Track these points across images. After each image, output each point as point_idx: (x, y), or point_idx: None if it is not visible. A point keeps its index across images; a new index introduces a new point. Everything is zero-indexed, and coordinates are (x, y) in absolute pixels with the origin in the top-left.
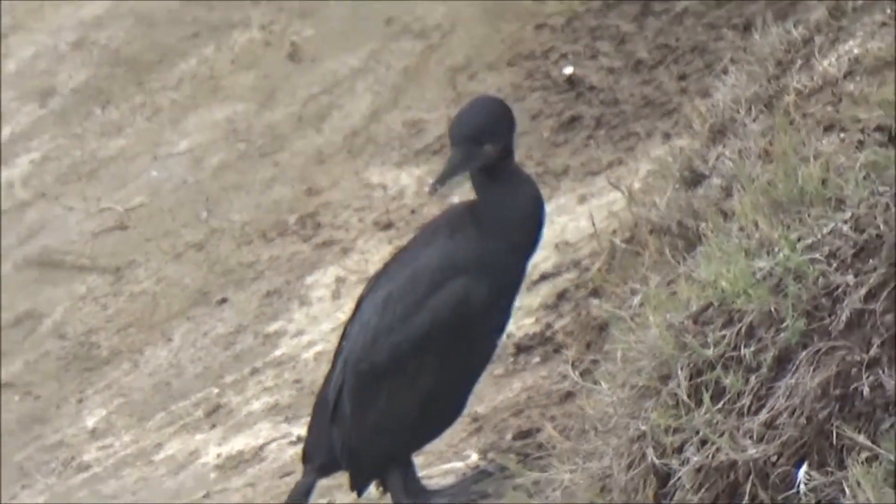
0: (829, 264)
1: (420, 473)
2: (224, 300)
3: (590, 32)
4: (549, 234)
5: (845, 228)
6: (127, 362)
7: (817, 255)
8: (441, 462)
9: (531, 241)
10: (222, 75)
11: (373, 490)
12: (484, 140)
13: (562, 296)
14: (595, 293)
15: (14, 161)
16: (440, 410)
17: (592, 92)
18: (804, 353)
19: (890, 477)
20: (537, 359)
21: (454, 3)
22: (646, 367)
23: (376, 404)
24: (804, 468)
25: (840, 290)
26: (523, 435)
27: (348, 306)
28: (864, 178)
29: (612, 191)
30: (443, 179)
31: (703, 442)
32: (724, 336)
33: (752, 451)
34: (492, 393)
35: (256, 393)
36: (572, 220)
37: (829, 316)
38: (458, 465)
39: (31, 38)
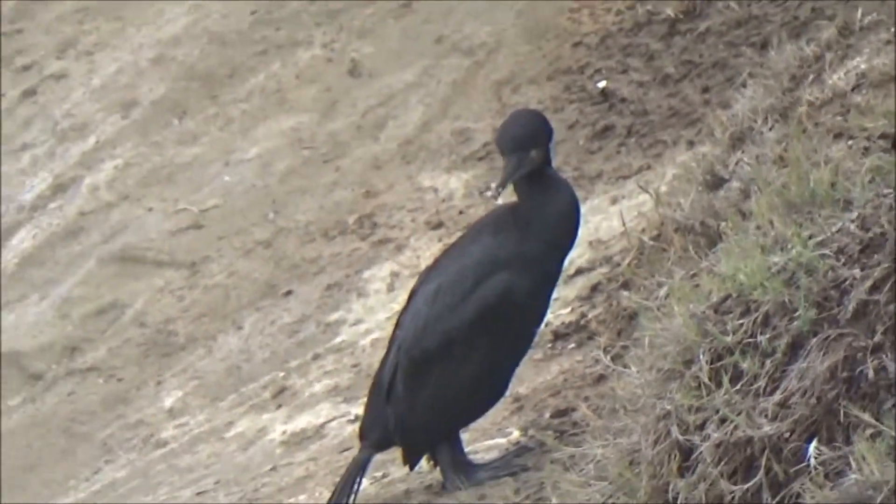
0: (838, 259)
1: (466, 449)
2: (289, 292)
3: (621, 50)
4: (583, 232)
5: (852, 227)
6: (201, 348)
7: (827, 251)
8: (485, 438)
9: (568, 239)
10: (288, 89)
11: (424, 464)
12: (530, 147)
13: (595, 288)
14: (625, 286)
15: (99, 167)
16: (485, 392)
17: (624, 104)
18: (814, 340)
19: (892, 452)
20: (573, 345)
21: (498, 23)
22: (671, 353)
23: (427, 386)
24: (814, 444)
25: (847, 282)
26: (560, 414)
27: (402, 298)
28: (870, 181)
29: (641, 193)
30: (503, 184)
31: (723, 420)
32: (741, 324)
33: (767, 429)
34: (532, 375)
35: (318, 376)
36: (605, 219)
37: (838, 306)
38: (501, 441)
39: (114, 56)
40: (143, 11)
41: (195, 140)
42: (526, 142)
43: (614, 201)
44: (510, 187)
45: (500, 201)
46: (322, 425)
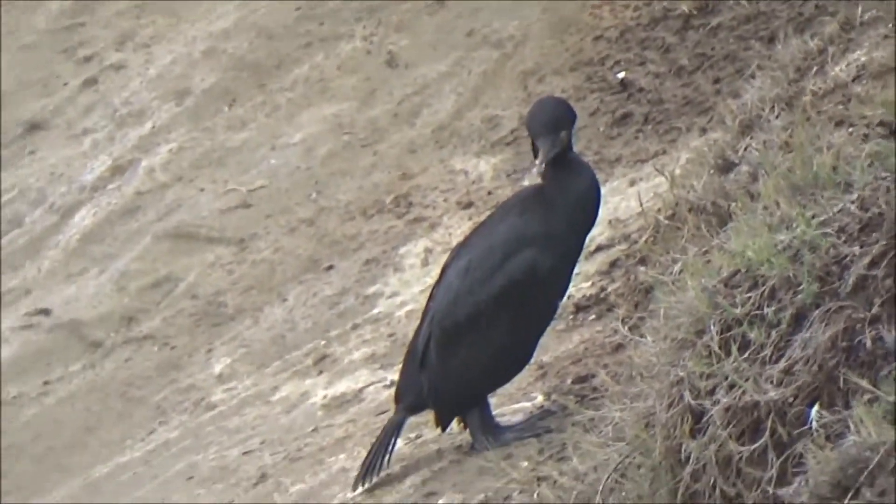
0: (839, 237)
1: (494, 412)
2: (331, 267)
3: (639, 43)
4: (603, 212)
5: (852, 208)
6: (249, 319)
7: (828, 230)
8: (512, 402)
9: (589, 218)
10: (330, 79)
11: (455, 426)
12: (560, 129)
13: (614, 264)
14: (642, 261)
15: (155, 150)
16: (511, 359)
17: (641, 93)
18: (817, 312)
19: (888, 415)
20: (593, 316)
21: (525, 18)
22: (684, 323)
23: (458, 354)
24: (816, 408)
25: (847, 259)
26: (581, 380)
27: (435, 272)
28: (869, 165)
29: (657, 176)
30: (544, 161)
31: (732, 386)
32: (749, 297)
33: (773, 394)
34: (555, 344)
35: (357, 344)
36: (623, 200)
37: (838, 281)
38: (527, 405)
39: (169, 48)
40: (195, 7)
41: (244, 126)
42: (556, 124)
43: (632, 183)
44: (532, 170)
45: (525, 183)
46: (360, 390)
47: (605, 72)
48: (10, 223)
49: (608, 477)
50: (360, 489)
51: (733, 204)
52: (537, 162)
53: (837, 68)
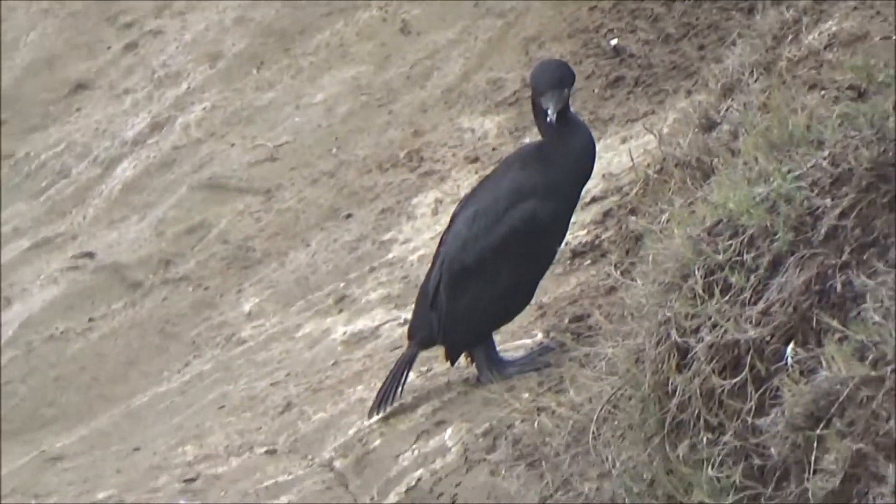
0: (812, 191)
1: (498, 348)
2: (350, 215)
3: (630, 13)
4: (598, 167)
5: (824, 163)
6: (275, 262)
7: (802, 184)
8: (514, 339)
9: (585, 172)
10: (349, 44)
11: (462, 360)
12: (564, 86)
13: (607, 214)
14: (633, 212)
15: (190, 109)
16: (514, 300)
17: (632, 59)
18: (792, 259)
19: (857, 353)
20: (588, 261)
21: None
22: (671, 268)
23: (465, 295)
24: (791, 346)
25: (820, 210)
26: (577, 319)
27: (444, 221)
28: (839, 125)
29: (647, 134)
30: (556, 111)
31: (714, 325)
32: (730, 245)
33: (752, 333)
34: (553, 287)
35: (373, 286)
36: (616, 156)
37: (812, 230)
38: (528, 341)
39: (203, 16)
40: None
41: (271, 87)
42: (560, 81)
43: (624, 141)
44: (532, 128)
45: (527, 139)
46: (376, 327)
47: (599, 39)
48: (58, 174)
49: (602, 408)
50: (375, 417)
51: (716, 160)
52: (549, 112)
53: (811, 37)
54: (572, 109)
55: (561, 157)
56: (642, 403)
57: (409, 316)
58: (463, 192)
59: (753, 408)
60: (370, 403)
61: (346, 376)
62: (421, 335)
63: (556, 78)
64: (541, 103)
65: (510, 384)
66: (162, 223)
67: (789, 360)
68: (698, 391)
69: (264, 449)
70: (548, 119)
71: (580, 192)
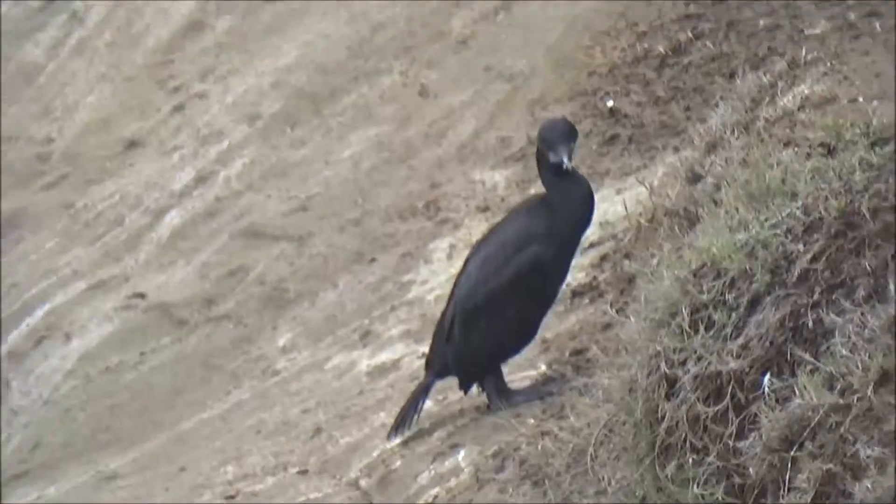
0: (786, 237)
1: (506, 378)
2: (373, 259)
3: (625, 78)
4: (595, 215)
5: (798, 213)
6: (307, 302)
7: (778, 231)
8: (520, 371)
9: (585, 220)
10: (373, 106)
11: (474, 389)
12: (571, 140)
13: (604, 258)
14: (627, 256)
15: (231, 164)
16: (520, 335)
17: (626, 118)
18: (769, 298)
19: (826, 383)
20: (587, 301)
21: (532, 57)
22: (661, 307)
23: (477, 330)
24: (768, 376)
25: (793, 254)
26: (577, 353)
27: (458, 264)
28: (811, 178)
29: (639, 186)
30: (570, 159)
31: (699, 358)
32: (714, 286)
33: (733, 365)
34: (555, 324)
35: (395, 323)
36: (612, 206)
37: (786, 273)
38: (532, 373)
39: (243, 80)
40: (264, 47)
41: (303, 144)
42: (568, 136)
43: (619, 192)
44: (536, 180)
45: (532, 191)
46: (397, 360)
47: (596, 101)
48: (113, 223)
49: (599, 432)
50: (395, 440)
51: (701, 209)
52: (564, 160)
53: (785, 99)
54: (573, 164)
55: (562, 207)
56: (635, 428)
57: (426, 349)
58: (475, 238)
59: (734, 432)
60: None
61: (370, 404)
62: (437, 367)
63: (565, 133)
64: (549, 156)
65: (517, 411)
66: (206, 266)
67: (766, 389)
68: (685, 417)
69: (297, 469)
70: (564, 166)
71: (580, 239)
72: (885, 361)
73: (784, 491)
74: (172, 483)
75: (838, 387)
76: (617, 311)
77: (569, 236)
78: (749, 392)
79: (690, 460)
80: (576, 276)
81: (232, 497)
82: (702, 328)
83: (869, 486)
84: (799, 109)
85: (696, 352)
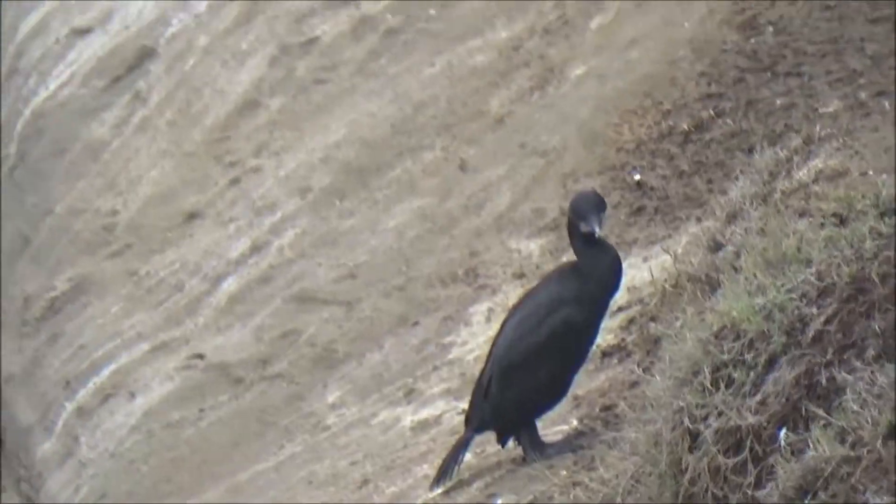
0: (801, 301)
1: (540, 432)
2: (417, 322)
3: (651, 153)
4: (624, 281)
5: (812, 278)
6: (354, 362)
7: (794, 296)
8: (553, 425)
9: (613, 286)
10: (416, 180)
11: (511, 443)
12: (601, 211)
13: (632, 321)
14: (653, 319)
15: (284, 233)
16: (553, 392)
17: (652, 191)
18: (785, 358)
19: (838, 437)
20: (615, 360)
21: (564, 134)
22: (684, 366)
23: (513, 388)
24: (784, 430)
25: (808, 317)
26: (606, 408)
27: (495, 326)
28: (825, 246)
29: (664, 254)
30: (601, 228)
31: (720, 413)
32: (734, 346)
33: (751, 420)
34: (586, 381)
35: (436, 381)
36: (639, 272)
37: (801, 334)
38: (565, 427)
39: (295, 156)
40: (315, 124)
41: (351, 215)
42: (599, 207)
43: (645, 259)
44: (568, 249)
45: (564, 259)
46: (439, 416)
47: (624, 175)
48: (174, 288)
49: (626, 482)
50: (437, 490)
51: (721, 275)
52: (596, 229)
53: (801, 173)
54: (602, 233)
55: (593, 273)
56: (660, 479)
57: (466, 406)
58: (511, 303)
59: (753, 482)
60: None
61: (413, 456)
62: (476, 422)
63: (595, 204)
64: (580, 226)
65: (550, 463)
66: (260, 329)
67: (782, 443)
68: (707, 468)
69: None
70: (595, 234)
71: (609, 303)
72: (894, 416)
73: None
74: None
75: (849, 440)
76: (643, 370)
77: (598, 300)
78: (766, 445)
79: None
80: (605, 337)
81: None
82: (722, 385)
83: None
84: (813, 182)
85: (717, 407)
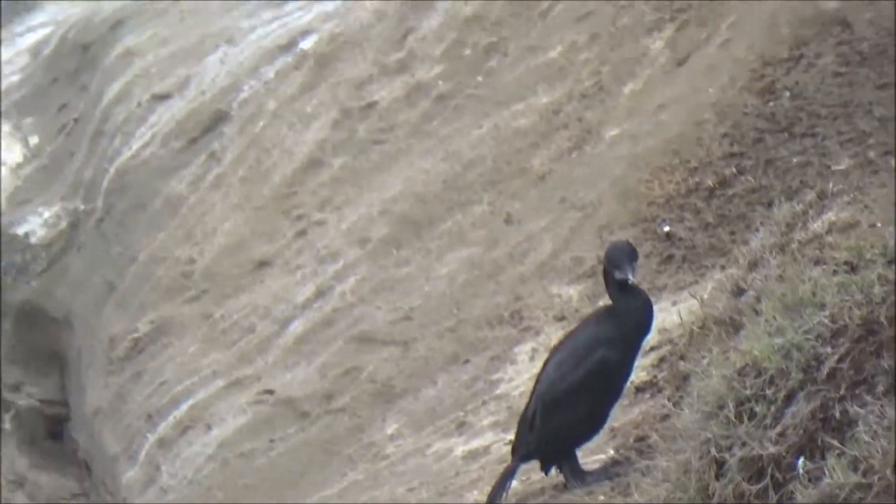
0: (817, 341)
1: (580, 461)
2: (467, 361)
3: (679, 207)
4: (655, 323)
5: (826, 321)
6: (411, 397)
7: (809, 336)
8: (592, 455)
9: (645, 328)
10: (466, 231)
11: (553, 471)
12: (634, 260)
13: (662, 359)
14: (682, 358)
15: (346, 280)
16: (592, 425)
17: (680, 241)
18: (802, 393)
19: (851, 465)
20: (648, 395)
21: (600, 190)
22: (710, 401)
23: (555, 421)
24: (802, 459)
25: (822, 356)
26: (640, 439)
27: (538, 365)
28: (837, 291)
29: (692, 299)
30: (635, 275)
31: (744, 444)
32: (755, 383)
33: (772, 449)
34: (621, 415)
35: (485, 415)
36: (668, 315)
37: (816, 371)
38: (602, 456)
39: (356, 210)
40: (373, 180)
41: (406, 263)
42: (631, 256)
43: (674, 304)
44: (604, 294)
45: (600, 303)
46: (488, 446)
47: (655, 227)
48: (245, 330)
49: None
50: None
51: (744, 318)
52: (629, 276)
53: (815, 225)
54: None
55: (626, 316)
56: None
57: (512, 437)
58: (553, 343)
59: None
60: None
61: (464, 483)
62: (521, 452)
63: (628, 253)
64: (615, 273)
65: (589, 489)
66: (325, 367)
67: (801, 471)
68: (732, 494)
69: None
70: (629, 281)
71: (641, 343)
72: None
73: None
74: None
75: (862, 468)
76: (673, 404)
77: (632, 341)
78: (786, 473)
79: None
80: (638, 374)
81: None
82: (746, 418)
83: None
84: (827, 233)
85: (740, 438)
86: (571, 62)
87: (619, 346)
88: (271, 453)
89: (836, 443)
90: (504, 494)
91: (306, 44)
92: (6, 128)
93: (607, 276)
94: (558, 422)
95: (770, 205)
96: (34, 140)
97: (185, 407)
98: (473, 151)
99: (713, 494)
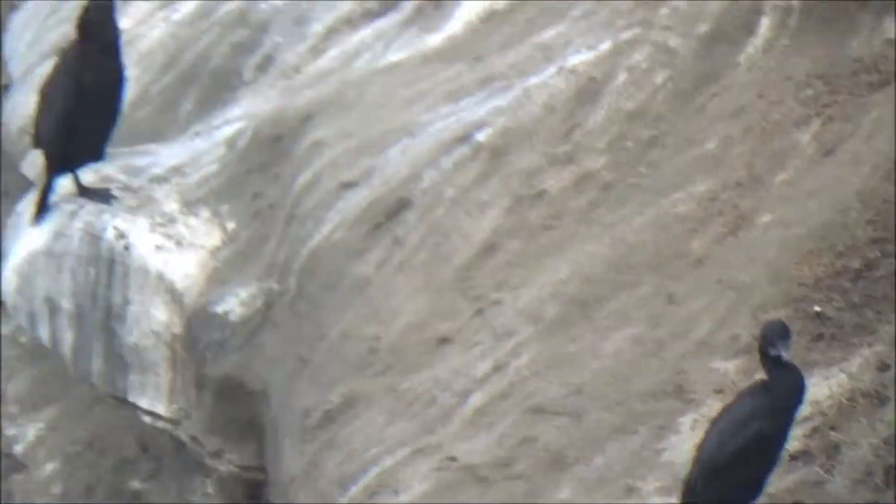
0: None
1: None
2: (635, 431)
3: (827, 288)
4: (807, 396)
5: None
6: (582, 464)
7: None
8: None
9: (798, 401)
10: (630, 311)
11: None
12: (788, 337)
13: (814, 429)
14: (832, 428)
15: (520, 355)
16: (749, 491)
17: (829, 321)
18: None
19: None
20: (801, 463)
21: (754, 272)
22: (860, 469)
23: (716, 487)
24: None
25: None
26: None
27: (700, 435)
28: None
29: (841, 374)
30: (790, 353)
31: None
32: None
33: None
34: (777, 481)
35: (652, 481)
36: (819, 389)
37: None
38: None
39: (528, 291)
40: (544, 264)
41: (576, 341)
42: (785, 334)
43: (825, 378)
44: (759, 369)
45: (756, 377)
46: None
47: (805, 307)
48: (428, 403)
49: None
50: None
51: (889, 391)
52: (784, 354)
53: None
54: (789, 357)
55: (781, 390)
56: None
57: (677, 502)
58: (713, 415)
59: None
60: None
61: None
62: None
63: (782, 332)
64: (769, 351)
65: None
66: (502, 437)
67: None
68: None
69: None
70: (783, 358)
71: (795, 415)
72: None
73: None
74: None
75: None
76: (825, 472)
77: (786, 413)
78: None
79: None
80: (792, 443)
81: None
82: (893, 484)
83: None
84: None
85: None
86: (726, 153)
87: (775, 418)
88: None
89: None
90: None
91: (481, 136)
92: (205, 214)
93: (763, 352)
94: (719, 489)
95: None
96: (231, 225)
97: (373, 473)
98: (636, 237)
99: None
